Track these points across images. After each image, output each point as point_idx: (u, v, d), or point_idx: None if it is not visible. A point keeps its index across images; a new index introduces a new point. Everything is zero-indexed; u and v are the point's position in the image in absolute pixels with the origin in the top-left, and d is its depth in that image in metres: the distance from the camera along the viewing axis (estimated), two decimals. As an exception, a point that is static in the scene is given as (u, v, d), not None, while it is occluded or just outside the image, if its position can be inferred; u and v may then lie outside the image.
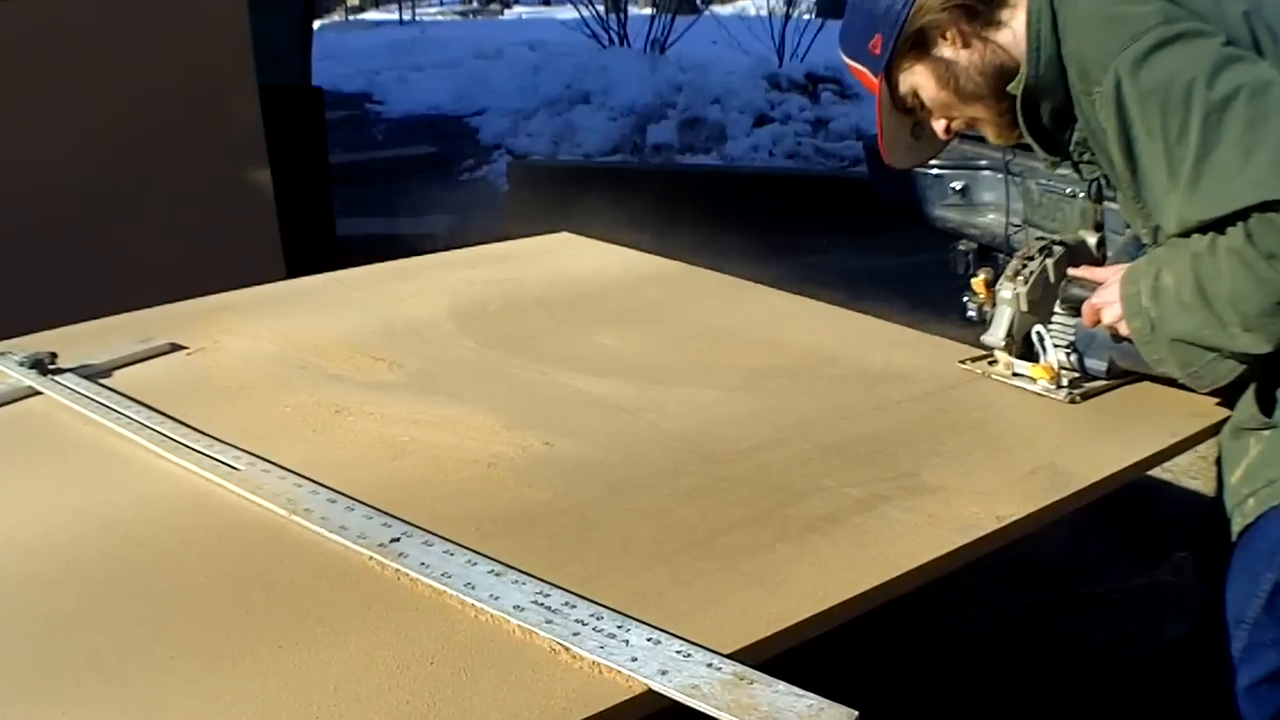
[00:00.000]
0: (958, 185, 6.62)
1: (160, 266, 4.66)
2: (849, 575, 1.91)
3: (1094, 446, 2.43)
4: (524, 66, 15.24)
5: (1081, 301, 2.60)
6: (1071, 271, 2.69)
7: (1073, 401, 2.62)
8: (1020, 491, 2.21)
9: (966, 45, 2.55)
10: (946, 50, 2.57)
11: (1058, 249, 2.72)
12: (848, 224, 9.15)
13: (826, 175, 11.32)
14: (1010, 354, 2.73)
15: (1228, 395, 2.47)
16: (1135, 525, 4.68)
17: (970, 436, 2.45)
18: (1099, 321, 2.54)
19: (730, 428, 2.47)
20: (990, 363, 2.79)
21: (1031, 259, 2.71)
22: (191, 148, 5.35)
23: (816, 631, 1.81)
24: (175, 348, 2.87)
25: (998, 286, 2.73)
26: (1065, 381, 2.66)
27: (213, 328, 3.01)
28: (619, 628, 1.73)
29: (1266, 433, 2.38)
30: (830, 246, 8.16)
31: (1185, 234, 2.28)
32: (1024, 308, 2.69)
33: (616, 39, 15.36)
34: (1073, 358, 2.70)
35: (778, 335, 3.04)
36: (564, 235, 4.02)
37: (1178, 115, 2.18)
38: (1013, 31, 2.51)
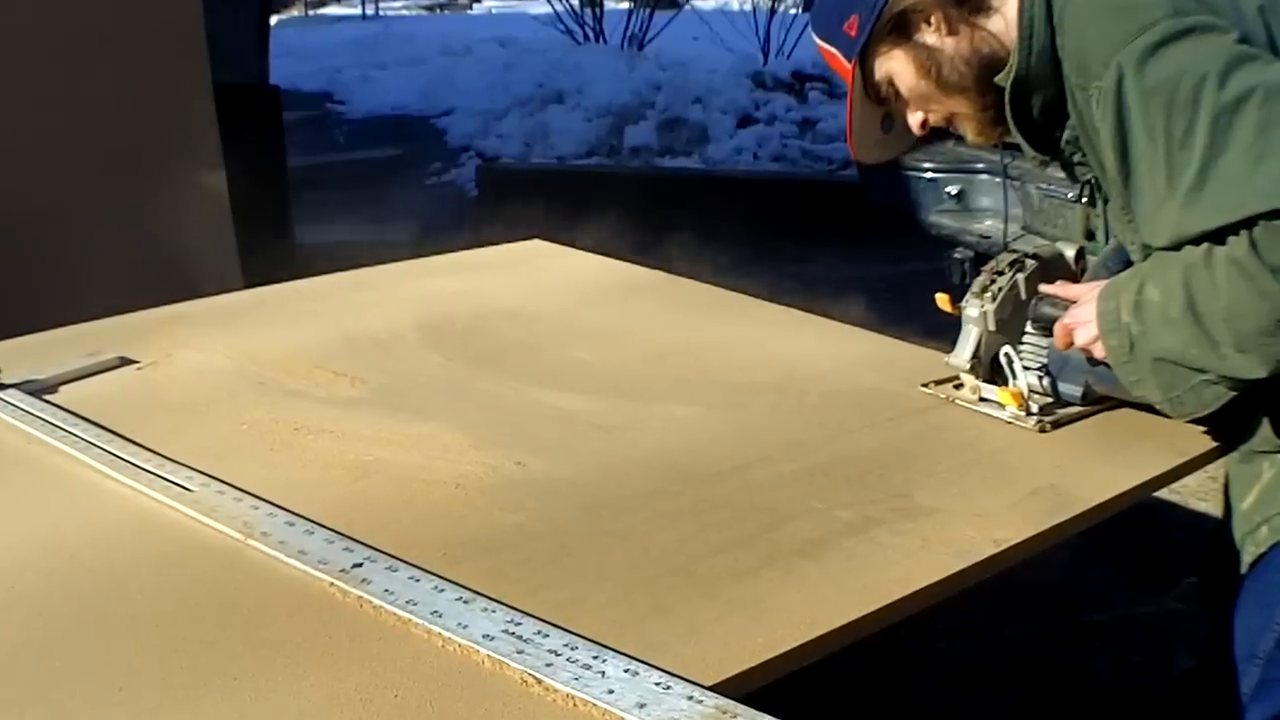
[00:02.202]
0: (953, 190, 6.64)
1: (109, 276, 4.65)
2: (838, 602, 1.91)
3: (1097, 466, 2.43)
4: (494, 64, 15.28)
5: (1053, 321, 2.54)
6: (1043, 288, 2.62)
7: (1042, 430, 2.56)
8: (1019, 514, 2.21)
9: (952, 32, 2.50)
10: (929, 36, 2.51)
11: (1030, 262, 2.67)
12: (837, 230, 9.17)
13: (814, 179, 11.35)
14: (977, 377, 2.68)
15: (1213, 422, 2.40)
16: (1141, 550, 4.69)
17: (966, 455, 2.46)
18: (1071, 343, 2.48)
19: (713, 446, 2.48)
20: (956, 386, 2.74)
21: (1001, 273, 2.67)
22: (142, 150, 5.34)
23: (804, 662, 1.81)
24: (125, 362, 2.87)
25: (964, 304, 2.68)
26: (1035, 408, 2.61)
27: (165, 340, 3.00)
28: (595, 658, 1.73)
29: None
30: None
31: (1177, 247, 2.21)
32: (992, 327, 2.64)
33: (592, 35, 15.40)
34: (1045, 382, 2.65)
35: (763, 349, 3.04)
36: (536, 243, 4.02)
37: (1184, 116, 2.11)
38: (1004, 18, 2.46)
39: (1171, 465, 2.44)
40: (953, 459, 2.44)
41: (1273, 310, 2.08)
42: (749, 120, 12.99)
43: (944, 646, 4.20)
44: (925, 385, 2.77)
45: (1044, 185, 5.75)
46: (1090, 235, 2.74)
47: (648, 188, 10.46)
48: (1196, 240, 2.16)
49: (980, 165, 6.48)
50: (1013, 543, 2.11)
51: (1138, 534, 4.60)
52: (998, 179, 6.33)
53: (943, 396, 2.72)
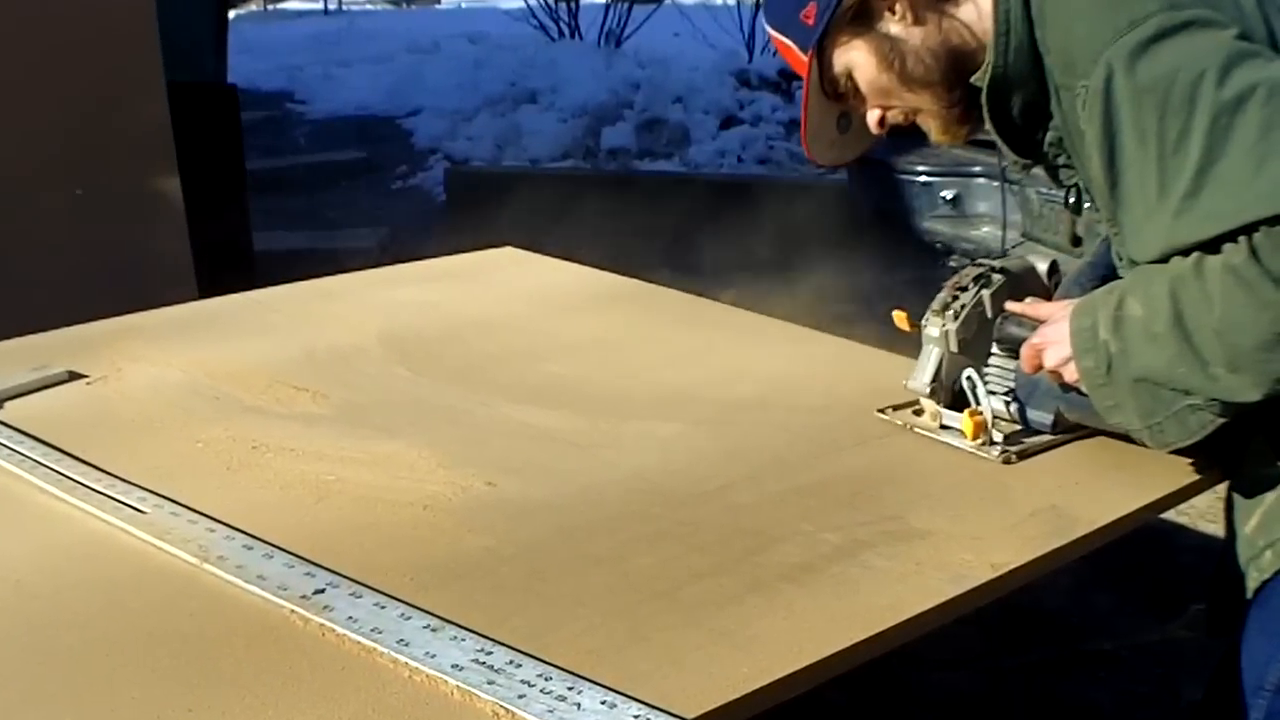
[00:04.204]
0: (949, 194, 6.65)
1: (57, 285, 4.66)
2: (827, 630, 1.92)
3: (1101, 486, 2.42)
4: (463, 62, 15.26)
5: (1020, 342, 2.46)
6: (1009, 306, 2.56)
7: (1007, 461, 2.50)
8: (1019, 536, 2.21)
9: (919, 21, 2.44)
10: (893, 26, 2.46)
11: (996, 277, 2.61)
12: (826, 236, 9.17)
13: (802, 183, 11.34)
14: (938, 402, 2.63)
15: (1209, 444, 2.27)
16: (1147, 575, 4.70)
17: (962, 474, 2.46)
18: (1040, 366, 2.40)
19: (695, 466, 2.48)
20: (916, 412, 2.68)
21: (964, 289, 2.60)
22: (91, 152, 5.34)
23: (791, 693, 1.82)
24: (74, 376, 2.86)
25: (924, 322, 2.61)
26: (999, 437, 2.55)
27: (116, 354, 3.00)
28: (570, 689, 1.73)
29: None
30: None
31: (1167, 260, 2.14)
32: (954, 348, 2.58)
33: (567, 31, 15.41)
34: (1013, 408, 2.59)
35: (747, 362, 3.05)
36: (508, 250, 4.02)
37: (1179, 117, 2.04)
38: (976, 7, 2.41)
39: (1179, 485, 2.43)
40: (948, 478, 2.44)
41: (1273, 323, 2.01)
42: (733, 121, 13.01)
43: (938, 677, 4.20)
44: (882, 411, 2.72)
45: (1044, 190, 5.74)
46: (1077, 241, 2.70)
47: (625, 192, 10.45)
48: (1188, 252, 2.10)
49: (977, 168, 6.49)
50: (1011, 567, 2.11)
51: (1143, 558, 4.61)
52: (995, 183, 6.33)
53: (900, 423, 2.68)
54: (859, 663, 1.90)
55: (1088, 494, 2.38)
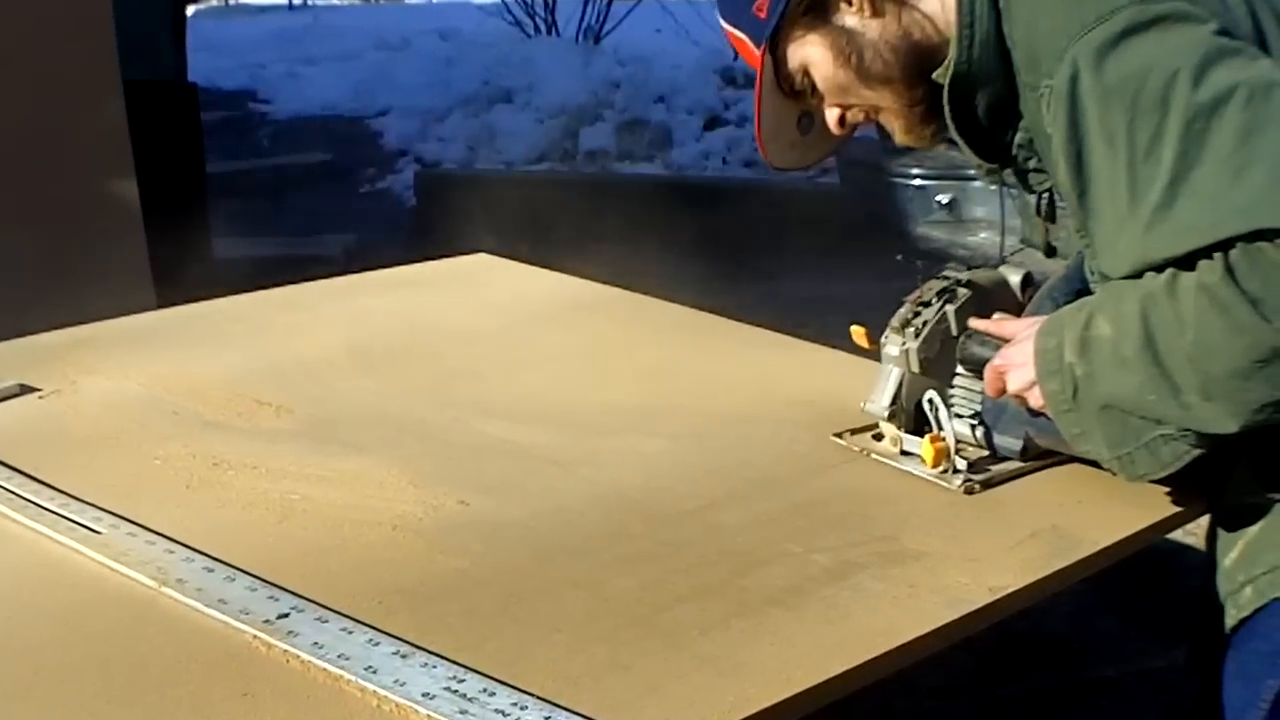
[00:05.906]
0: (944, 199, 6.65)
1: (7, 294, 4.64)
2: (816, 656, 1.92)
3: (1104, 505, 2.41)
4: (434, 59, 15.27)
5: (984, 362, 2.40)
6: (973, 323, 2.50)
7: (970, 491, 2.44)
8: (1018, 558, 2.21)
9: (877, 14, 2.40)
10: (850, 18, 2.41)
11: (962, 291, 2.56)
12: (816, 243, 9.18)
13: (791, 187, 11.34)
14: (898, 426, 2.57)
15: (1191, 470, 2.19)
16: (1152, 598, 4.70)
17: (958, 493, 2.46)
18: (1004, 389, 2.34)
19: (678, 483, 2.48)
20: (876, 437, 2.64)
21: (927, 304, 2.55)
22: (44, 153, 5.32)
23: (779, 722, 1.82)
24: (25, 390, 2.86)
25: (883, 340, 2.57)
26: (962, 464, 2.48)
27: (69, 366, 3.00)
28: (547, 718, 1.73)
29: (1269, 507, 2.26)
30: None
31: (1139, 276, 2.08)
32: (915, 368, 2.53)
33: (543, 26, 15.40)
34: (979, 432, 2.54)
35: (733, 374, 3.05)
36: (482, 257, 4.02)
37: (1150, 120, 1.99)
38: None
39: (1186, 505, 2.42)
40: (943, 497, 2.44)
41: (1249, 349, 1.94)
42: (717, 121, 13.01)
43: (933, 705, 4.20)
44: (838, 435, 2.68)
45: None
46: (1051, 252, 2.66)
47: (605, 196, 10.45)
48: (1161, 267, 2.04)
49: (974, 171, 6.48)
50: (1010, 590, 2.11)
51: (1148, 580, 4.60)
52: (993, 186, 6.32)
53: (857, 449, 2.64)
54: (850, 691, 1.90)
55: (1090, 513, 2.38)
